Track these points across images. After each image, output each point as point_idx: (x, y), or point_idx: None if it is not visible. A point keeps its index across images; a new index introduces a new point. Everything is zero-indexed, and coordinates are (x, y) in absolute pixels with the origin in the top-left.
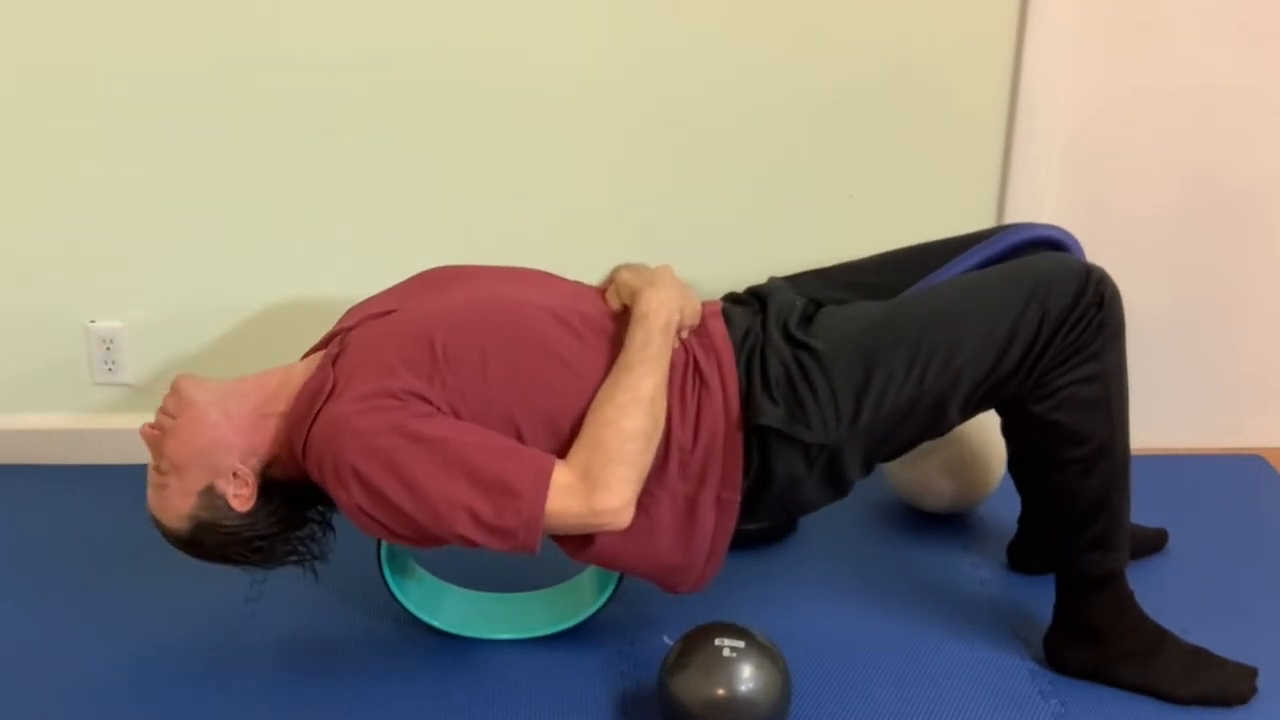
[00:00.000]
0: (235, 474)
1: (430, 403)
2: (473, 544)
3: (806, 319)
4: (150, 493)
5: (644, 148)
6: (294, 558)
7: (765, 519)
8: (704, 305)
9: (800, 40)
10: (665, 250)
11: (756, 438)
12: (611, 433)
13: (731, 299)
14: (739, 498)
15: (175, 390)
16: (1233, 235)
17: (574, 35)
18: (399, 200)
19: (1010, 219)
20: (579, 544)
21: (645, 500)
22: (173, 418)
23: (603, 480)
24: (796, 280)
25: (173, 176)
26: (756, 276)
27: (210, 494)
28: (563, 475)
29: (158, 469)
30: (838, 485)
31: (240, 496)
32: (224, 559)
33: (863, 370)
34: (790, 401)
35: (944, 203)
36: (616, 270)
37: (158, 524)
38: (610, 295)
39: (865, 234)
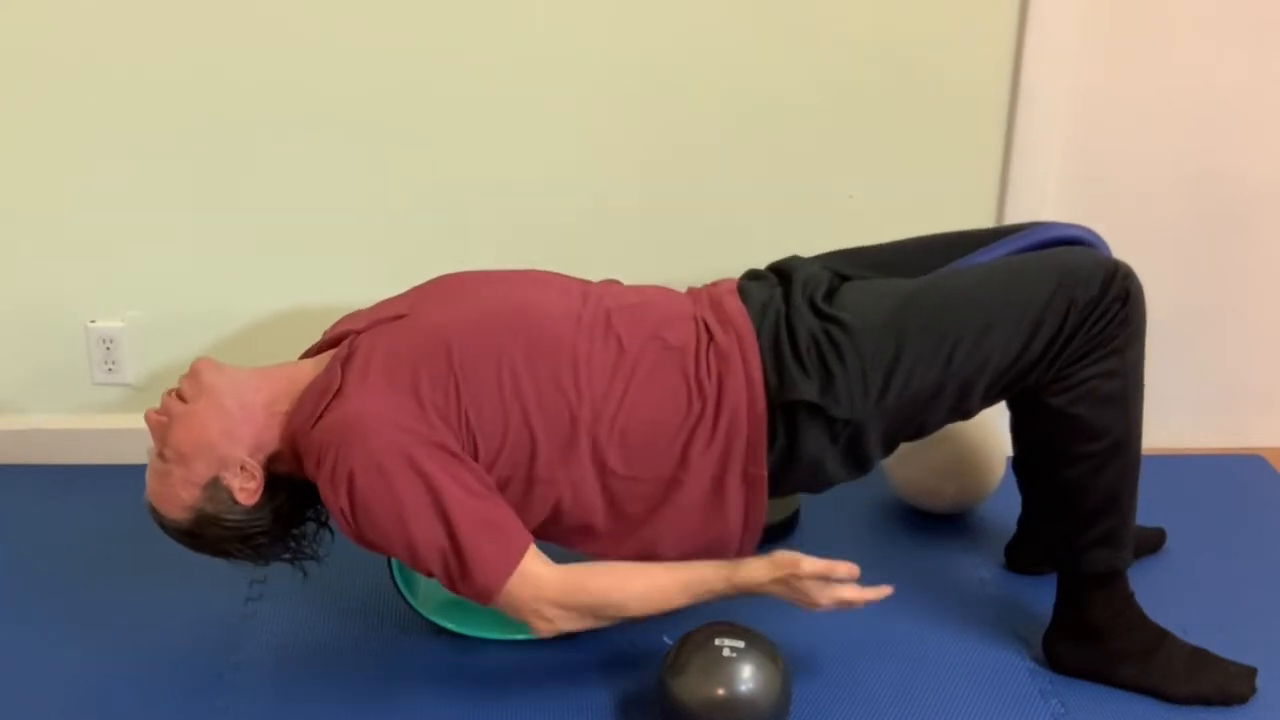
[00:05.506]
0: (243, 467)
1: (446, 422)
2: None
3: (831, 292)
4: (151, 481)
5: (642, 148)
6: (288, 555)
7: (789, 493)
8: (720, 283)
9: (800, 40)
10: (664, 250)
11: (782, 412)
12: (606, 593)
13: (751, 275)
14: (765, 472)
15: (194, 374)
16: (1233, 235)
17: (571, 35)
18: (400, 203)
19: (1010, 219)
20: (615, 541)
21: (673, 486)
22: (186, 402)
23: (564, 610)
24: (822, 259)
25: (173, 177)
26: None
27: (216, 486)
28: (542, 570)
29: (161, 456)
30: (859, 463)
31: (247, 490)
32: (220, 553)
33: (893, 348)
34: (820, 373)
35: (944, 203)
36: None
37: (155, 513)
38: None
39: (865, 234)
